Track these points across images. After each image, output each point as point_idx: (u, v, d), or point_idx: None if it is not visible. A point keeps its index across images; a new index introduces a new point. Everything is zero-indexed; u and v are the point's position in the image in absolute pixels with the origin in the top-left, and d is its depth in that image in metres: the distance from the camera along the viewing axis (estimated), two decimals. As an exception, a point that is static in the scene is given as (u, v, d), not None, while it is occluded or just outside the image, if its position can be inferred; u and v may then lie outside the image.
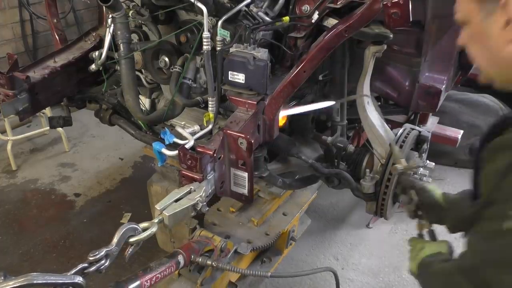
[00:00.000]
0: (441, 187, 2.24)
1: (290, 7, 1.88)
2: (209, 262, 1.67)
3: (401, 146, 1.75)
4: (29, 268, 2.66)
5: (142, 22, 2.07)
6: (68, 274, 1.19)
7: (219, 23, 1.70)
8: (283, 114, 1.78)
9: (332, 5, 1.71)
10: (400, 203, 1.84)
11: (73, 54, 2.27)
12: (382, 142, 1.81)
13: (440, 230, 1.44)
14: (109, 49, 2.02)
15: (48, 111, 3.73)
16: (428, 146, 1.88)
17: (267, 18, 1.81)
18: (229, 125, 1.60)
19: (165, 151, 1.73)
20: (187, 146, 1.66)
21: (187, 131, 1.90)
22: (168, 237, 2.59)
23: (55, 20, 2.33)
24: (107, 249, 1.26)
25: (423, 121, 2.87)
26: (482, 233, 1.00)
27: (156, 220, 1.40)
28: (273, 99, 1.67)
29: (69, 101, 2.38)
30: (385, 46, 1.68)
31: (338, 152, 1.98)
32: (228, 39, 1.77)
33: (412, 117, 2.63)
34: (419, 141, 1.85)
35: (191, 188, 1.48)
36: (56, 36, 2.34)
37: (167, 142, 1.79)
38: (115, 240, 1.29)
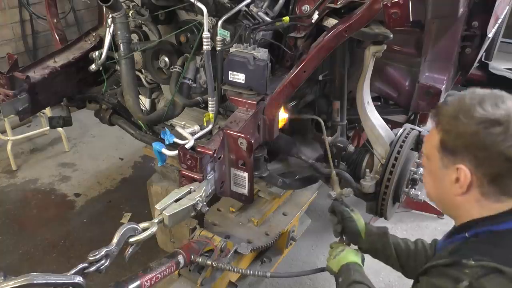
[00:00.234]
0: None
1: (290, 7, 1.88)
2: (209, 262, 1.67)
3: (401, 146, 1.75)
4: (29, 268, 2.65)
5: (142, 22, 2.07)
6: (68, 274, 1.19)
7: (219, 23, 1.70)
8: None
9: (332, 5, 1.71)
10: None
11: (73, 54, 2.27)
12: (382, 142, 1.81)
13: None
14: (109, 49, 2.02)
15: (48, 111, 3.73)
16: (428, 146, 1.88)
17: (267, 18, 1.81)
18: (229, 125, 1.60)
19: (165, 151, 1.73)
20: (187, 146, 1.66)
21: (187, 131, 1.90)
22: (168, 237, 2.59)
23: (55, 20, 2.33)
24: (107, 249, 1.26)
25: (423, 121, 2.87)
26: None
27: (156, 220, 1.40)
28: (273, 99, 1.67)
29: (69, 101, 2.38)
30: (385, 46, 1.67)
31: (338, 152, 1.98)
32: (228, 39, 1.77)
33: (412, 117, 2.62)
34: (419, 141, 1.85)
35: (191, 188, 1.48)
36: (56, 36, 2.34)
37: (167, 142, 1.79)
38: (115, 240, 1.29)
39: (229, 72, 1.65)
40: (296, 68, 1.63)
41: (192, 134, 1.85)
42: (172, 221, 1.42)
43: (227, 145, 1.60)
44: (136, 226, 1.35)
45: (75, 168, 3.72)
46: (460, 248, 1.10)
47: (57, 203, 3.31)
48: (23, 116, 2.08)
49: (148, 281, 1.42)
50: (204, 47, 1.71)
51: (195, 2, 1.67)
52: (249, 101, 1.65)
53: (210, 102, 1.81)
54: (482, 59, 3.25)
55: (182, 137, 1.85)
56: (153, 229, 1.37)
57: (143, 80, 2.27)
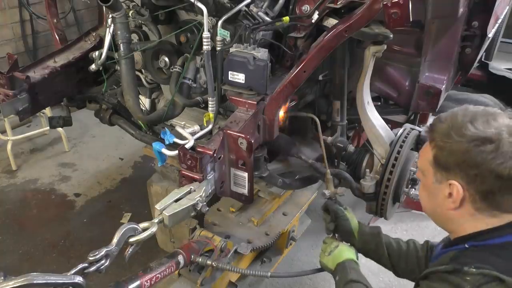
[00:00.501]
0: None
1: (290, 7, 1.88)
2: (209, 262, 1.67)
3: (401, 146, 1.75)
4: (29, 268, 2.65)
5: (142, 22, 2.07)
6: (68, 274, 1.19)
7: (219, 23, 1.70)
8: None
9: (332, 5, 1.71)
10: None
11: (73, 54, 2.27)
12: (382, 142, 1.81)
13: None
14: (109, 49, 2.02)
15: (48, 111, 3.73)
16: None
17: (267, 18, 1.81)
18: (229, 125, 1.60)
19: (165, 151, 1.73)
20: (187, 146, 1.66)
21: (187, 131, 1.90)
22: (168, 237, 2.59)
23: (55, 20, 2.33)
24: (107, 249, 1.26)
25: (423, 121, 2.87)
26: None
27: (156, 220, 1.40)
28: (273, 99, 1.67)
29: (69, 101, 2.38)
30: (385, 46, 1.67)
31: (338, 152, 1.98)
32: (228, 39, 1.77)
33: (412, 117, 2.62)
34: (419, 141, 1.85)
35: (191, 188, 1.48)
36: (56, 36, 2.34)
37: (167, 142, 1.79)
38: (115, 240, 1.29)
39: (229, 72, 1.65)
40: (296, 68, 1.63)
41: (192, 134, 1.85)
42: (172, 221, 1.42)
43: (227, 145, 1.60)
44: (136, 226, 1.35)
45: (75, 168, 3.72)
46: (460, 256, 1.11)
47: (57, 203, 3.31)
48: (23, 116, 2.08)
49: (148, 281, 1.42)
50: (204, 47, 1.71)
51: (195, 2, 1.67)
52: (249, 101, 1.65)
53: (210, 102, 1.81)
54: (482, 59, 3.25)
55: (182, 137, 1.85)
56: (153, 229, 1.37)
57: (143, 80, 2.27)
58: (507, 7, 2.69)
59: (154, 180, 2.54)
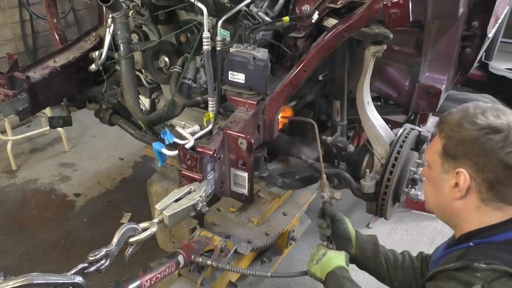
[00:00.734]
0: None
1: (290, 7, 1.88)
2: (209, 262, 1.67)
3: (401, 146, 1.75)
4: (29, 268, 2.65)
5: (142, 22, 2.07)
6: (68, 274, 1.19)
7: (219, 23, 1.70)
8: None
9: (332, 5, 1.71)
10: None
11: (73, 54, 2.27)
12: (382, 142, 1.81)
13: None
14: (109, 49, 2.01)
15: (48, 111, 3.73)
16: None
17: (267, 18, 1.81)
18: (229, 125, 1.60)
19: (165, 151, 1.73)
20: (187, 146, 1.66)
21: (187, 131, 1.90)
22: (168, 237, 2.59)
23: (55, 20, 2.33)
24: (107, 249, 1.26)
25: (423, 121, 2.87)
26: None
27: (156, 220, 1.40)
28: (273, 99, 1.67)
29: (69, 101, 2.38)
30: (385, 46, 1.67)
31: (338, 152, 1.98)
32: (228, 39, 1.77)
33: (412, 117, 2.62)
34: (419, 141, 1.85)
35: (191, 188, 1.48)
36: (56, 36, 2.34)
37: (167, 142, 1.79)
38: (115, 240, 1.29)
39: (229, 72, 1.65)
40: (296, 68, 1.62)
41: (192, 134, 1.85)
42: (172, 221, 1.41)
43: (227, 145, 1.60)
44: (136, 226, 1.35)
45: (75, 168, 3.72)
46: (467, 254, 1.11)
47: (57, 203, 3.31)
48: (23, 116, 2.08)
49: (148, 281, 1.42)
50: (204, 47, 1.71)
51: (195, 2, 1.67)
52: (249, 101, 1.65)
53: (210, 102, 1.81)
54: (482, 59, 3.25)
55: (182, 137, 1.85)
56: (153, 229, 1.37)
57: (143, 80, 2.26)
58: (507, 7, 2.69)
59: (154, 180, 2.54)
